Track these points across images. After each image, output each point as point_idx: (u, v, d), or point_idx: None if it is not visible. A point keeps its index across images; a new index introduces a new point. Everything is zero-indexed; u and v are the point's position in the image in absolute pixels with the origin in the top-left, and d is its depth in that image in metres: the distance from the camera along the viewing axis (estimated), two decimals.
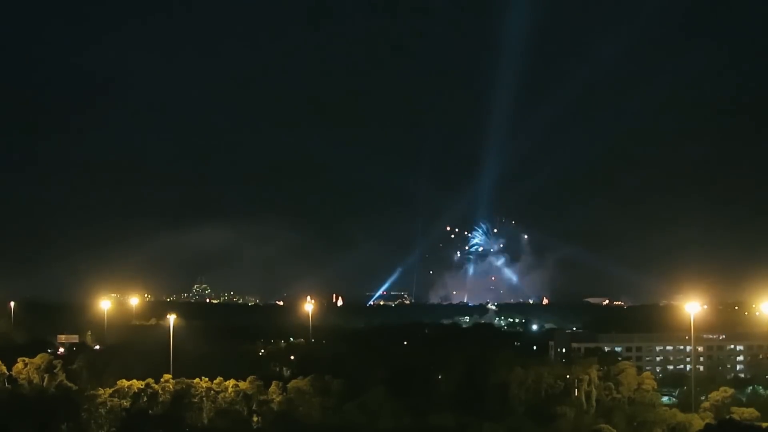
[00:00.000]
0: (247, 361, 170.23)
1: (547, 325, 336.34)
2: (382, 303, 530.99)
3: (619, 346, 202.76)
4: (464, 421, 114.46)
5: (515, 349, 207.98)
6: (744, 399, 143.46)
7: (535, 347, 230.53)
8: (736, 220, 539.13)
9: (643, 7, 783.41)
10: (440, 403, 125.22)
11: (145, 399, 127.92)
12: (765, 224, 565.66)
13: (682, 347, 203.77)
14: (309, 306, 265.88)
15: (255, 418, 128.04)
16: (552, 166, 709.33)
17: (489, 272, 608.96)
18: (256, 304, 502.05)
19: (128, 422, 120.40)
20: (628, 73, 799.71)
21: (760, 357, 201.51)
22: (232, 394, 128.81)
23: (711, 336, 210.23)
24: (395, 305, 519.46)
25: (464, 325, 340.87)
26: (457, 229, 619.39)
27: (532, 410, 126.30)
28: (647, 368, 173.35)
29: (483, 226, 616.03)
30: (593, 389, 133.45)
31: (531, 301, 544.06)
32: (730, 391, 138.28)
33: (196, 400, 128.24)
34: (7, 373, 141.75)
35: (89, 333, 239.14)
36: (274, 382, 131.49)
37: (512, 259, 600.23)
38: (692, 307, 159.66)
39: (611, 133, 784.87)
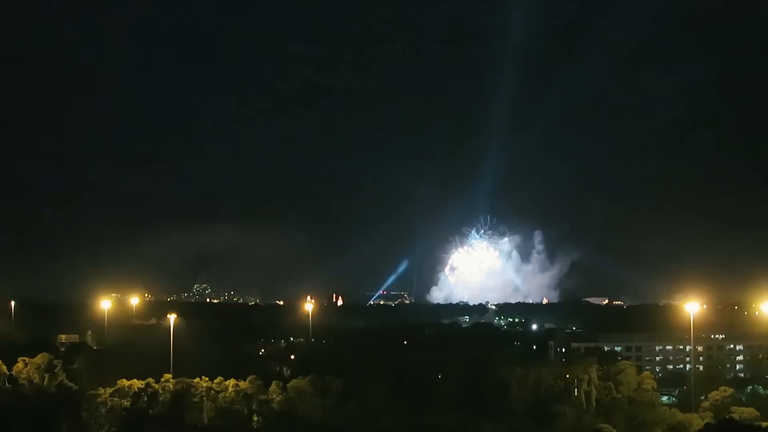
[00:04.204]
0: (247, 361, 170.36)
1: (547, 325, 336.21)
2: (382, 303, 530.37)
3: (619, 346, 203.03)
4: (464, 421, 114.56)
5: (515, 349, 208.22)
6: (744, 399, 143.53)
7: (535, 347, 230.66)
8: (736, 220, 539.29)
9: (646, 9, 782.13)
10: (440, 403, 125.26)
11: (145, 399, 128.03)
12: (765, 224, 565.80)
13: (681, 347, 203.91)
14: (309, 306, 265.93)
15: (255, 418, 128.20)
16: (552, 167, 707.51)
17: (490, 272, 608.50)
18: (256, 304, 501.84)
19: (128, 422, 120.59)
20: (631, 73, 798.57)
21: (760, 357, 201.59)
22: (232, 393, 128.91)
23: (711, 336, 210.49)
24: (395, 305, 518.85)
25: (464, 325, 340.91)
26: (457, 229, 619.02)
27: (532, 410, 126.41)
28: (647, 368, 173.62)
29: (483, 225, 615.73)
30: (593, 389, 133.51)
31: (531, 301, 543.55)
32: (730, 390, 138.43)
33: (196, 400, 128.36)
34: (8, 373, 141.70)
35: (89, 333, 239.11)
36: (274, 382, 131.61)
37: (522, 260, 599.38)
38: (692, 307, 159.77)
39: (611, 134, 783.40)
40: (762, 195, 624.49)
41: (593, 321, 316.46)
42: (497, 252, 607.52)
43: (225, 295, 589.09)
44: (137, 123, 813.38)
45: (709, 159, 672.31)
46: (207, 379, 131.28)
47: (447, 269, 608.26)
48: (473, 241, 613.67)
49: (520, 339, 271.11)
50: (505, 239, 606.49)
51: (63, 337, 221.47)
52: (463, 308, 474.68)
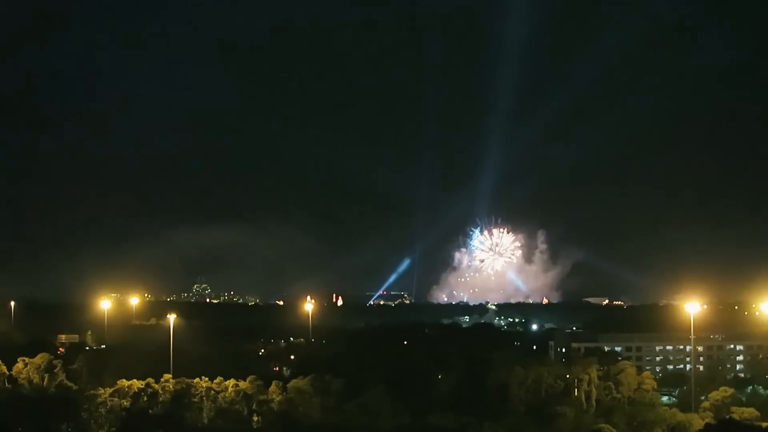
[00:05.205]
0: (247, 361, 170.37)
1: (547, 325, 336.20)
2: (382, 303, 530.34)
3: (619, 346, 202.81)
4: (464, 421, 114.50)
5: (515, 349, 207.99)
6: (744, 399, 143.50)
7: (535, 347, 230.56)
8: (736, 220, 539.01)
9: (647, 7, 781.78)
10: (440, 403, 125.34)
11: (145, 399, 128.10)
12: (765, 224, 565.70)
13: (682, 347, 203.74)
14: (309, 306, 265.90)
15: (255, 418, 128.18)
16: (551, 167, 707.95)
17: (489, 272, 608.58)
18: (256, 304, 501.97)
19: (128, 422, 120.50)
20: (630, 73, 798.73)
21: (760, 357, 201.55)
22: (232, 393, 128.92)
23: (711, 336, 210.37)
24: (395, 305, 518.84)
25: (464, 325, 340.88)
26: (459, 228, 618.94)
27: (532, 410, 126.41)
28: (647, 368, 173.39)
29: (486, 225, 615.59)
30: (593, 389, 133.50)
31: (531, 301, 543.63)
32: (730, 391, 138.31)
33: (196, 400, 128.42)
34: (7, 373, 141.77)
35: (89, 333, 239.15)
36: (274, 382, 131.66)
37: (524, 260, 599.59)
38: (692, 307, 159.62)
39: (611, 133, 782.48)
40: (762, 195, 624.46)
41: (593, 321, 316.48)
42: (499, 252, 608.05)
43: (225, 295, 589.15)
44: (138, 123, 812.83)
45: (710, 159, 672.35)
46: (207, 379, 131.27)
47: (448, 269, 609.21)
48: (475, 240, 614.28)
49: (520, 339, 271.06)
50: (509, 239, 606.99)
51: (63, 337, 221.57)
52: (463, 308, 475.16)
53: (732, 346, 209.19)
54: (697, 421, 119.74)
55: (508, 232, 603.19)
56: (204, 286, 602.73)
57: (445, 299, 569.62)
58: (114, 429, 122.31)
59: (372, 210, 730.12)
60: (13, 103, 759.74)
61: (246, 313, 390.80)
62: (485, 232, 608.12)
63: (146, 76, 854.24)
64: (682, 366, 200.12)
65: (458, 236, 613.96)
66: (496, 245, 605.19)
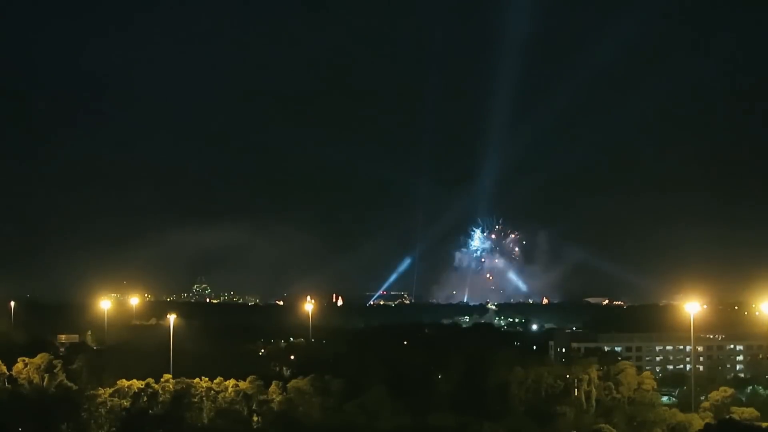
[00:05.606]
0: (247, 361, 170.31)
1: (547, 325, 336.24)
2: (382, 303, 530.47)
3: (619, 346, 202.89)
4: (464, 421, 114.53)
5: (515, 349, 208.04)
6: (744, 399, 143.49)
7: (535, 347, 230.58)
8: (737, 219, 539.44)
9: (648, 5, 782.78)
10: (440, 403, 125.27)
11: (145, 399, 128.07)
12: (765, 224, 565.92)
13: (682, 347, 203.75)
14: (309, 306, 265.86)
15: (255, 418, 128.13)
16: (551, 167, 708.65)
17: (489, 272, 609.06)
18: (256, 304, 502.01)
19: (128, 422, 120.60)
20: (630, 72, 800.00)
21: (760, 357, 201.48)
22: (232, 394, 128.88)
23: (711, 336, 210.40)
24: (395, 305, 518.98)
25: (464, 325, 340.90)
26: (461, 229, 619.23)
27: (532, 410, 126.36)
28: (647, 368, 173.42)
29: (483, 225, 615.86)
30: (593, 389, 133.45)
31: (531, 301, 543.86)
32: (730, 391, 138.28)
33: (196, 400, 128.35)
34: (7, 373, 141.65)
35: (89, 333, 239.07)
36: (274, 382, 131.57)
37: (526, 260, 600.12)
38: (692, 307, 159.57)
39: (611, 133, 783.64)
40: (762, 195, 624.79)
41: (593, 321, 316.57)
42: (500, 252, 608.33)
43: (225, 295, 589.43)
44: (138, 124, 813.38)
45: (710, 160, 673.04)
46: (207, 379, 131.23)
47: (448, 269, 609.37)
48: (476, 240, 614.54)
49: (520, 339, 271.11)
50: (509, 239, 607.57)
51: (63, 337, 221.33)
52: (463, 308, 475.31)
53: (732, 346, 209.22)
54: (697, 421, 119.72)
55: (508, 232, 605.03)
56: (204, 286, 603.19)
57: (446, 299, 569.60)
58: (114, 429, 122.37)
59: (372, 210, 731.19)
60: (14, 104, 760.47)
61: (246, 313, 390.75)
62: (486, 232, 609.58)
63: (147, 77, 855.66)
64: (682, 366, 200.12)
65: (459, 236, 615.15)
66: (497, 245, 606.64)
